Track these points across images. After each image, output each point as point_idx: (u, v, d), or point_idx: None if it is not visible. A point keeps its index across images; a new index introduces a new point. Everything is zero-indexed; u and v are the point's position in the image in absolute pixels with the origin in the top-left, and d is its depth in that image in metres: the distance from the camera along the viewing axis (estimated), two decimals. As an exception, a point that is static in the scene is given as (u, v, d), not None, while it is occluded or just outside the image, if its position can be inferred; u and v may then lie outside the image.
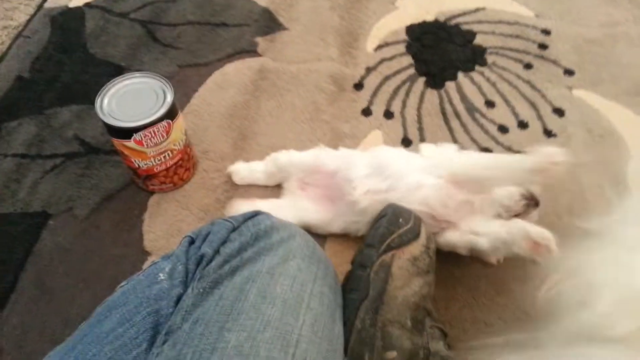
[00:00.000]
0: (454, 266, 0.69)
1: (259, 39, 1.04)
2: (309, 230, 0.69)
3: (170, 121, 0.72)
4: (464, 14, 1.07)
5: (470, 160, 0.68)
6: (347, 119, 0.89)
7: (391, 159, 0.69)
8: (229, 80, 0.96)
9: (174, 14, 1.12)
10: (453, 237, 0.63)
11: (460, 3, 1.09)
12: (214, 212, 0.76)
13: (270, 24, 1.08)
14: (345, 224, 0.71)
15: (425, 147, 0.74)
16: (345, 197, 0.69)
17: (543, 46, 1.00)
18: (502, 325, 0.65)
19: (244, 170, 0.79)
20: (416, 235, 0.58)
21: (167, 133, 0.73)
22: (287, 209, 0.72)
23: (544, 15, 1.06)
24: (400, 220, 0.59)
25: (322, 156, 0.75)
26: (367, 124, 0.89)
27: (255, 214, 0.58)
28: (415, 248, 0.57)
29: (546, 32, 1.02)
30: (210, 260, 0.51)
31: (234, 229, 0.55)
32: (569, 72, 0.95)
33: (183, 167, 0.79)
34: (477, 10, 1.07)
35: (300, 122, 0.89)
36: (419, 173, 0.65)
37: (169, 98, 0.72)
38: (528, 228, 0.59)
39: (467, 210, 0.63)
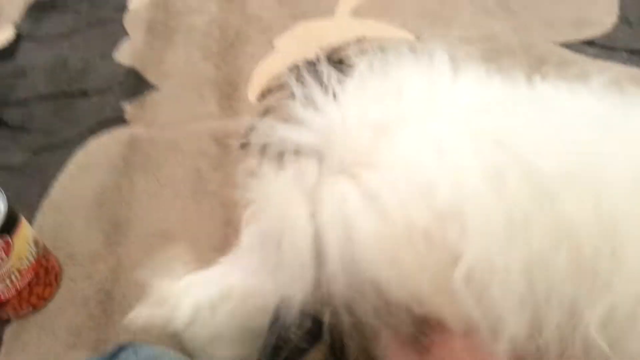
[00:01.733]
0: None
1: (126, 105, 0.92)
2: None
3: (7, 237, 0.58)
4: (346, 46, 1.02)
5: None
6: (237, 184, 0.80)
7: None
8: (93, 160, 0.83)
9: (24, 89, 0.97)
10: None
11: (340, 35, 1.04)
12: (88, 333, 0.63)
13: (137, 84, 0.96)
14: None
15: None
16: None
17: (429, 70, 0.96)
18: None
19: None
20: None
21: (7, 252, 0.59)
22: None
23: (424, 37, 1.03)
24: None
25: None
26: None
27: (119, 350, 0.47)
28: None
29: (429, 55, 0.99)
30: None
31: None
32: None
33: (41, 284, 0.64)
34: (358, 41, 1.03)
35: (183, 197, 0.78)
36: None
37: (1, 208, 0.59)
38: None
39: None
